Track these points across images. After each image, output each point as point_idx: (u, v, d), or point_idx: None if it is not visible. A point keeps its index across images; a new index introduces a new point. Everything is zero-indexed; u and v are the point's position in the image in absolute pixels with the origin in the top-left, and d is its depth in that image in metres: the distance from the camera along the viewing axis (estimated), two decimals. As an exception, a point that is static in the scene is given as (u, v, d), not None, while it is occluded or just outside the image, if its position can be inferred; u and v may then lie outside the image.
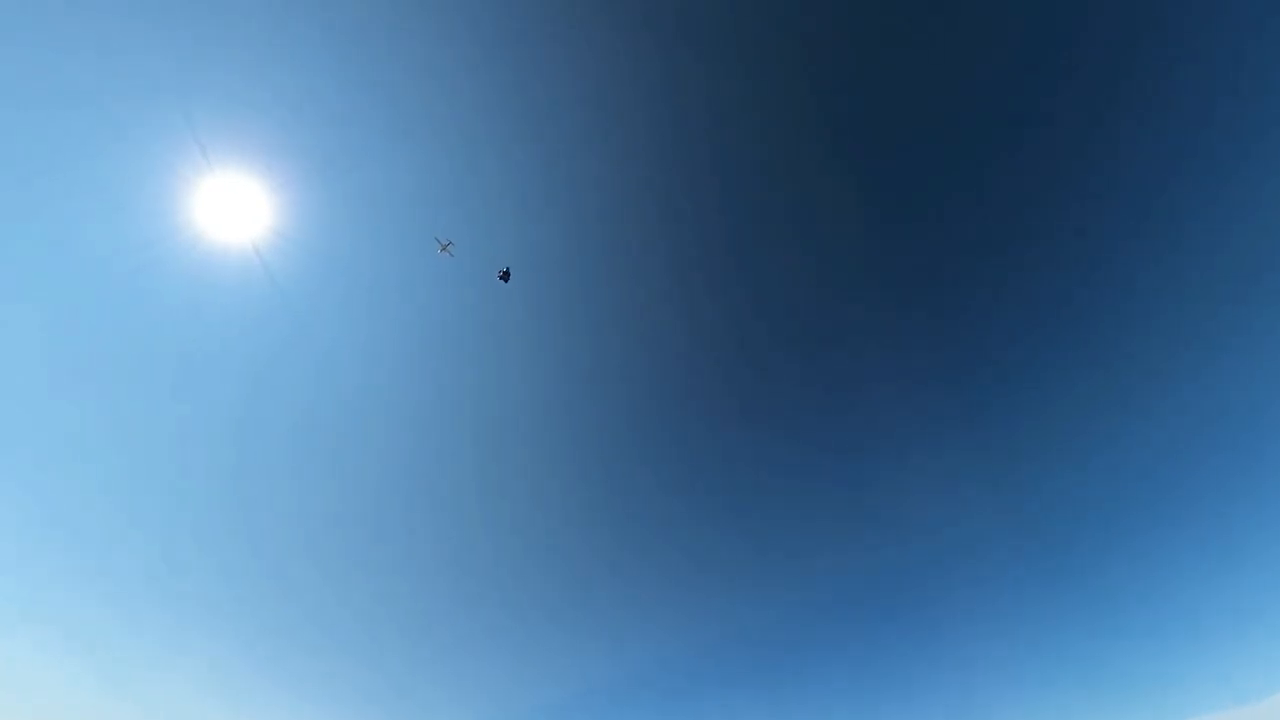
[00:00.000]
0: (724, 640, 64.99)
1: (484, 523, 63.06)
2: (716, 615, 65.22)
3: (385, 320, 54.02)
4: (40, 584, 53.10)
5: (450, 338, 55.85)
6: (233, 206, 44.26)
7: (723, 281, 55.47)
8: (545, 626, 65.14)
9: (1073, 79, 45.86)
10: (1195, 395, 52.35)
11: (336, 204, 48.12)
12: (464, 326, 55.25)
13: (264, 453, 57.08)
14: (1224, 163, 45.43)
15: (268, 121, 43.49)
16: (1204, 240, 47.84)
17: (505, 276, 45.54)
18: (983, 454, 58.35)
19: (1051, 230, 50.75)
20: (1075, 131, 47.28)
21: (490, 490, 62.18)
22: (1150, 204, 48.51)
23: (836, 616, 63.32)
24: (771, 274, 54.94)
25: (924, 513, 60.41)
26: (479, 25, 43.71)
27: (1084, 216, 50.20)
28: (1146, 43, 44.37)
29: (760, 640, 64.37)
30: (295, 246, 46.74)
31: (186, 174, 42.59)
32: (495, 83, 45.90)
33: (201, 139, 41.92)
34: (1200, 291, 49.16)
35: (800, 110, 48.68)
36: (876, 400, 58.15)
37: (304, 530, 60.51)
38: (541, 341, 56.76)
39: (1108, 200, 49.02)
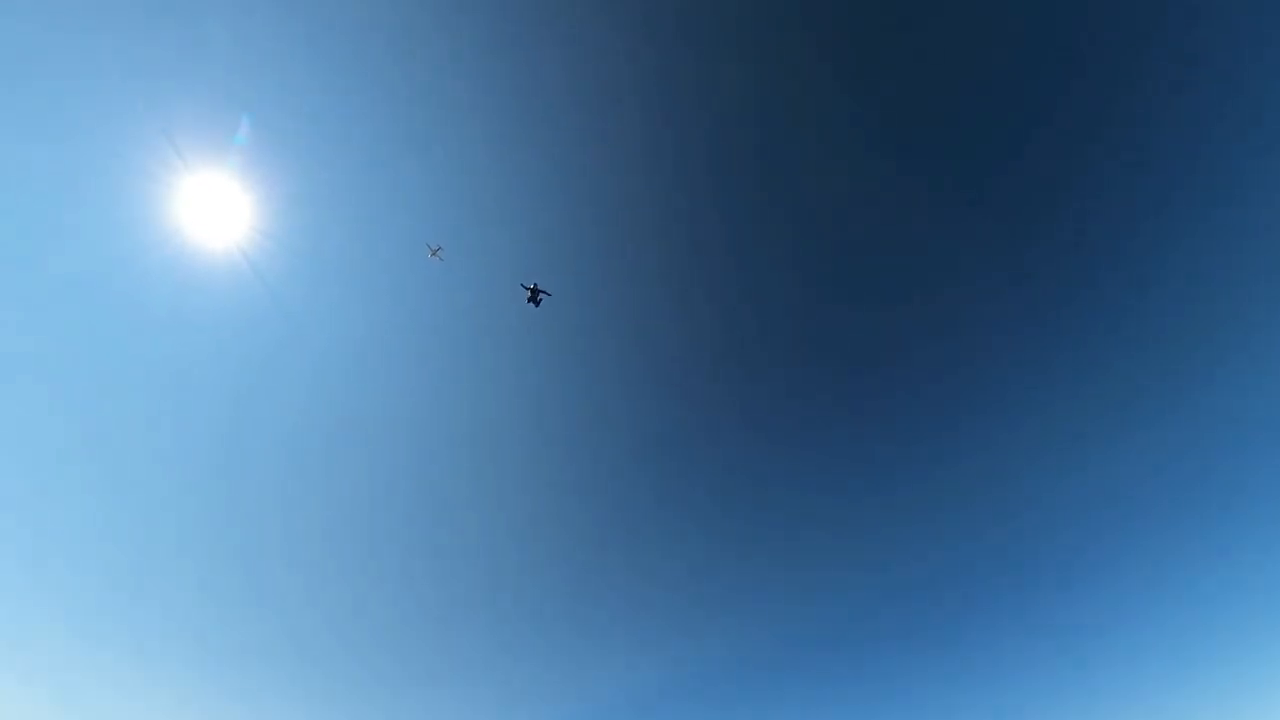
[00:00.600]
0: (729, 656, 64.08)
1: (481, 531, 61.94)
2: (722, 633, 64.37)
3: (377, 324, 53.08)
4: (26, 595, 51.93)
5: (445, 342, 54.93)
6: (219, 207, 43.26)
7: (722, 284, 54.66)
8: (544, 639, 64.10)
9: (1081, 76, 45.30)
10: (1212, 398, 50.98)
11: (326, 206, 47.27)
12: (458, 331, 54.36)
13: (255, 459, 56.00)
14: (1235, 160, 44.82)
15: (255, 118, 42.60)
16: (1218, 239, 47.01)
17: (534, 298, 40.66)
18: (996, 462, 57.63)
19: (1059, 232, 50.04)
20: (1081, 130, 46.73)
21: (487, 498, 61.13)
22: (1153, 205, 47.89)
23: (844, 635, 62.51)
24: (773, 277, 54.15)
25: (935, 526, 59.82)
26: (473, 22, 42.96)
27: (1086, 218, 49.56)
28: (1152, 41, 43.86)
29: (766, 659, 63.62)
30: (282, 248, 45.82)
31: (171, 174, 41.61)
32: (490, 81, 45.12)
33: (187, 137, 40.96)
34: (1221, 283, 48.06)
35: (802, 110, 48.01)
36: (884, 407, 57.48)
37: (298, 538, 59.43)
38: (542, 346, 55.82)
39: (1111, 201, 48.40)
